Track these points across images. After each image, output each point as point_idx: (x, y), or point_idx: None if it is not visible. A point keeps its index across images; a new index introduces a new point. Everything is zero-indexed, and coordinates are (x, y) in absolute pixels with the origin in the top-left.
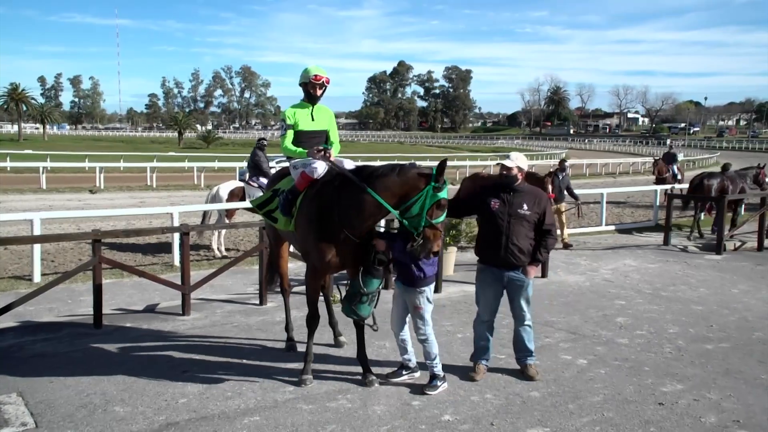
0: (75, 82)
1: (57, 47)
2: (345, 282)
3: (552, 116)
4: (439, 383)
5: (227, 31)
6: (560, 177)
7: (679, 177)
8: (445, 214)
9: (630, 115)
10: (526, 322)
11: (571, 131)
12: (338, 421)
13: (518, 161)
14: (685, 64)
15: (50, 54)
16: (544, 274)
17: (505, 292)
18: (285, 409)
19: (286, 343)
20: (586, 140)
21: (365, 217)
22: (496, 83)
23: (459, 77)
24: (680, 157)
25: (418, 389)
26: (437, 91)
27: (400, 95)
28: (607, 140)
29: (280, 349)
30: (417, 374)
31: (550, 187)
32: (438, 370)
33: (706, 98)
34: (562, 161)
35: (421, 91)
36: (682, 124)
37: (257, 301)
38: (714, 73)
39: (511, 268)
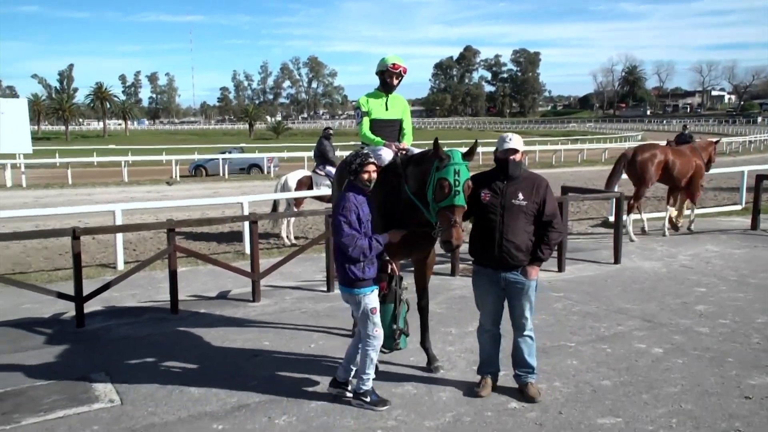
0: (152, 78)
1: (135, 46)
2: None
3: (627, 97)
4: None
5: (295, 23)
6: None
7: None
8: (453, 200)
9: (714, 93)
10: (526, 333)
11: (648, 112)
12: (404, 407)
13: (520, 143)
14: None
15: (129, 53)
16: (617, 260)
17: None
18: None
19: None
20: (665, 121)
21: (405, 206)
22: (566, 65)
23: (527, 60)
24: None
25: None
26: (505, 75)
27: (467, 81)
28: (688, 120)
29: (347, 334)
30: None
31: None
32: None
33: None
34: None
35: (489, 75)
36: None
37: (325, 288)
38: None
39: (508, 268)
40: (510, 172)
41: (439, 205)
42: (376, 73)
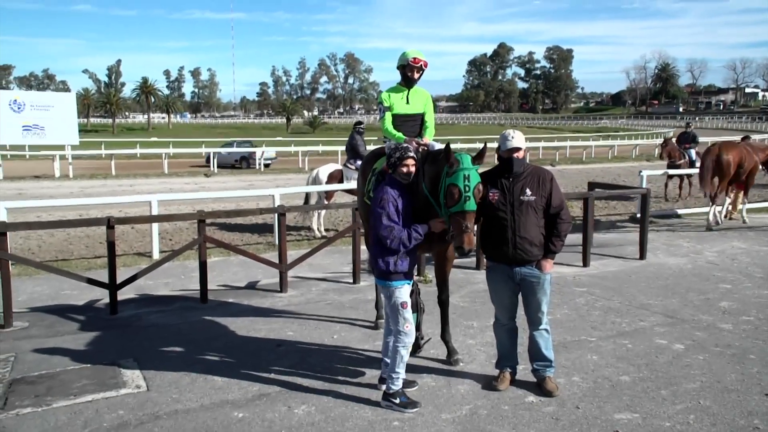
0: (195, 73)
1: (180, 42)
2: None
3: (659, 94)
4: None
5: (332, 20)
6: None
7: (697, 163)
8: (463, 206)
9: (748, 90)
10: (542, 326)
11: (681, 109)
12: (422, 398)
13: (522, 140)
14: None
15: (174, 49)
16: (642, 256)
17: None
18: (371, 385)
19: (375, 321)
20: (697, 118)
21: (422, 202)
22: (599, 62)
23: (560, 57)
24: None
25: None
26: (538, 72)
27: (500, 77)
28: (721, 117)
29: (369, 326)
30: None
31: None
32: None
33: None
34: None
35: (522, 72)
36: None
37: (351, 280)
38: None
39: (522, 263)
40: (515, 169)
41: (450, 210)
42: (398, 68)
